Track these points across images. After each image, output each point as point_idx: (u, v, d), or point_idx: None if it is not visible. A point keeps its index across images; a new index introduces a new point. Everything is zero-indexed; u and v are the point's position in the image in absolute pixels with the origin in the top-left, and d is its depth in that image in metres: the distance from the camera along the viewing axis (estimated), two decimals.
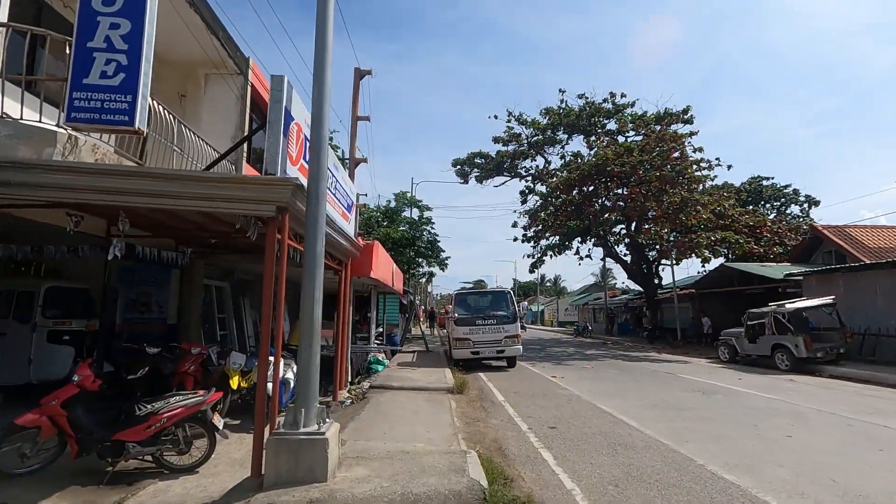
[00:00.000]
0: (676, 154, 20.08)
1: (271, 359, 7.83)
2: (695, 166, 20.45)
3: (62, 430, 4.66)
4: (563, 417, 7.27)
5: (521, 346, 13.21)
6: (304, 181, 4.96)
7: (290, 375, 8.10)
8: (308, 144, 5.02)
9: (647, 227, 20.90)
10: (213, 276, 10.67)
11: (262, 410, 4.54)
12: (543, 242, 30.13)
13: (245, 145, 9.20)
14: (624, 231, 25.52)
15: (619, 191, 23.52)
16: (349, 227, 8.51)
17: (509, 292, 13.88)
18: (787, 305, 14.11)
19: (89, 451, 4.74)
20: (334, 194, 7.27)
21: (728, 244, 18.47)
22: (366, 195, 27.65)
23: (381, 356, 12.78)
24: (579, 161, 23.50)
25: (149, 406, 4.91)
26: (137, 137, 7.05)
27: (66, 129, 5.10)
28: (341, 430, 6.23)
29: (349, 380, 9.69)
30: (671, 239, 21.91)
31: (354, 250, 8.87)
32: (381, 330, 18.39)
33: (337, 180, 7.41)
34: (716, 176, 20.26)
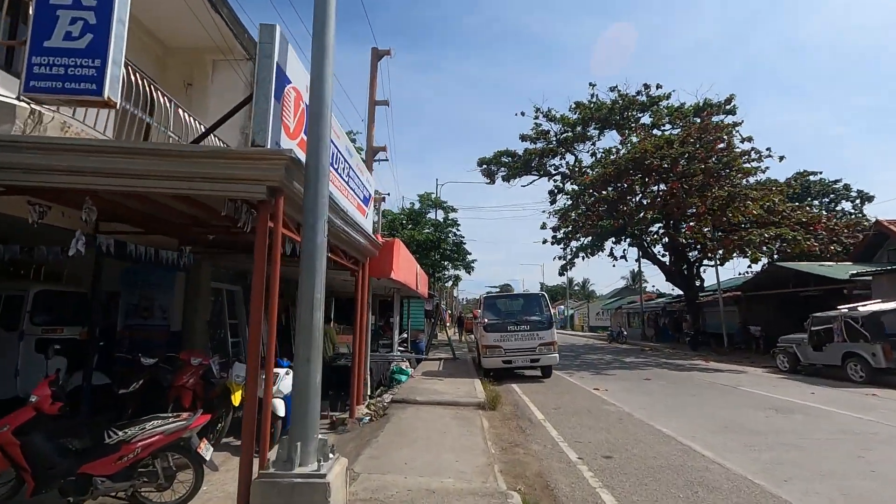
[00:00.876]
0: (722, 145, 18.50)
1: (280, 371, 6.96)
2: (744, 157, 18.73)
3: (15, 462, 3.84)
4: (618, 443, 6.12)
5: (557, 355, 12.03)
6: (305, 157, 4.04)
7: None
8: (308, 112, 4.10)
9: (689, 224, 19.32)
10: (223, 280, 9.94)
11: (250, 441, 3.61)
12: (574, 244, 28.89)
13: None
14: (662, 230, 23.94)
15: (657, 187, 22.04)
16: (366, 222, 7.61)
17: (543, 295, 12.72)
18: (861, 308, 12.49)
19: (50, 486, 3.91)
20: (347, 182, 6.37)
21: (783, 241, 16.78)
22: (388, 195, 27.04)
23: (404, 365, 11.83)
24: (614, 156, 22.06)
25: (120, 433, 4.05)
26: (139, 125, 6.35)
27: (27, 103, 4.34)
28: (355, 458, 5.27)
29: (368, 392, 8.77)
30: (715, 237, 20.27)
31: (372, 248, 7.95)
32: (405, 336, 17.48)
33: (351, 167, 6.51)
34: (767, 167, 18.56)
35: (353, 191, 6.77)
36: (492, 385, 10.98)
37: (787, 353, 14.49)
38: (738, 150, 18.46)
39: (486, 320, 12.00)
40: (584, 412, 8.14)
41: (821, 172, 36.90)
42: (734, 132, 18.94)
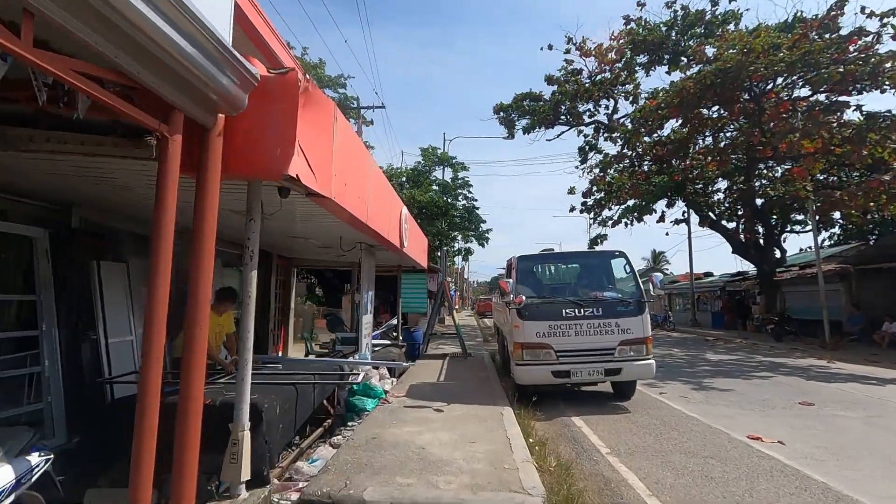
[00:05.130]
0: (854, 46, 12.57)
1: None
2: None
3: None
4: None
5: (653, 361, 6.63)
6: None
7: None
8: None
9: (798, 167, 13.50)
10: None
11: None
12: (607, 213, 23.51)
13: None
14: (741, 183, 18.14)
15: (739, 121, 16.26)
16: None
17: (622, 254, 7.27)
18: None
19: None
20: None
21: None
22: (371, 122, 21.91)
23: (375, 378, 6.53)
24: (701, 69, 15.77)
25: None
26: None
27: None
28: None
29: (245, 475, 3.44)
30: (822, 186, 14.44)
31: (220, 75, 2.55)
32: (393, 322, 12.24)
33: None
34: None
35: None
36: (533, 417, 5.71)
37: None
38: (881, 52, 12.38)
39: (522, 298, 6.59)
40: None
41: None
42: (887, 23, 12.65)
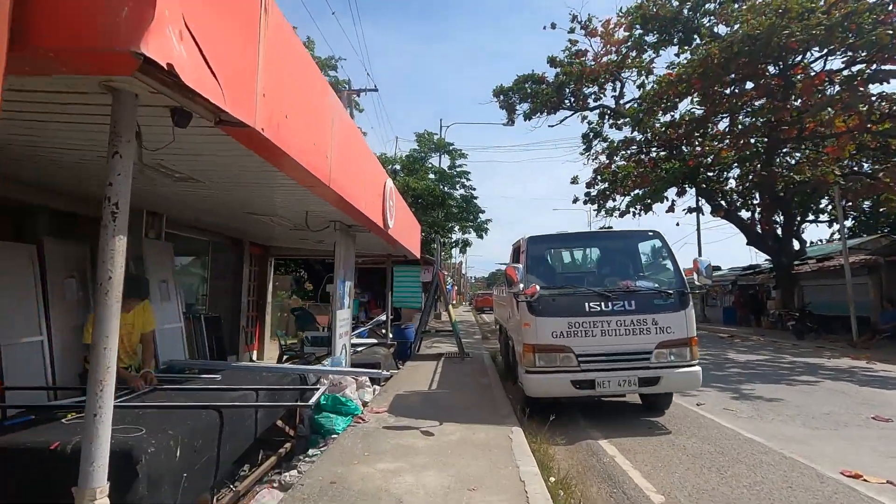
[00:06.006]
0: None
1: None
2: None
3: None
4: None
5: (699, 368, 5.31)
6: None
7: None
8: None
9: (830, 145, 12.16)
10: None
11: None
12: (611, 204, 22.35)
13: None
14: (758, 168, 16.80)
15: (764, 101, 14.90)
16: None
17: (656, 234, 5.90)
18: None
19: None
20: None
21: None
22: (359, 95, 20.57)
23: (350, 389, 5.19)
24: (727, 33, 14.27)
25: None
26: None
27: None
28: None
29: None
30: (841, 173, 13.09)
31: None
32: (381, 319, 10.91)
33: None
34: None
35: None
36: (551, 442, 4.38)
37: None
38: None
39: (536, 288, 5.23)
40: None
41: None
42: None
